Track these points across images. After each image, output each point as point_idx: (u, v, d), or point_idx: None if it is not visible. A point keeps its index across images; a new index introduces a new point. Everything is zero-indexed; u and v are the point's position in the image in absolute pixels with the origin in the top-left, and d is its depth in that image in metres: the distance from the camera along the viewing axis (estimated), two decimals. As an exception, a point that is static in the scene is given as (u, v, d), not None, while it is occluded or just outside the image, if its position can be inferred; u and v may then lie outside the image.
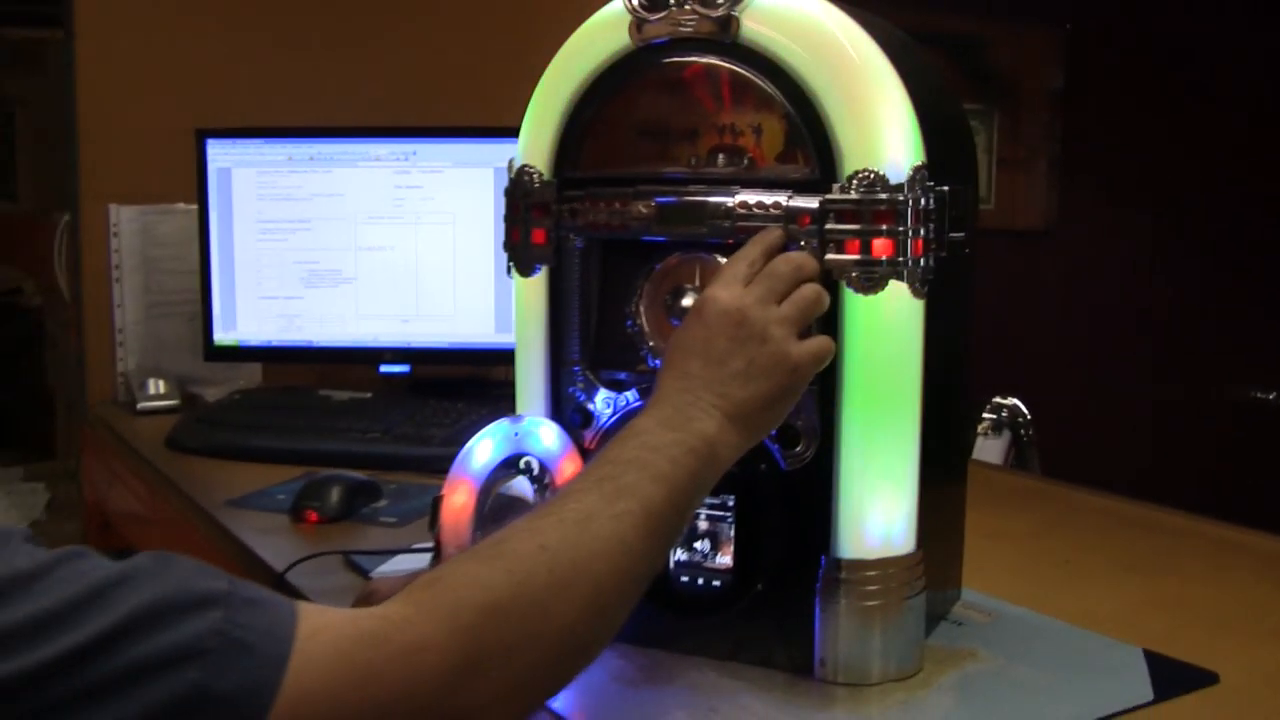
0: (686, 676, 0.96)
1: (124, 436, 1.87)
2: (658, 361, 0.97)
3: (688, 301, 0.97)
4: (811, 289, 0.90)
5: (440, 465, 1.52)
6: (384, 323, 1.91)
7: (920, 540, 0.95)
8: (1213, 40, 3.39)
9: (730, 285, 0.90)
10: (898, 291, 0.91)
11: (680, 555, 0.99)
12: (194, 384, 2.03)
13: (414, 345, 1.90)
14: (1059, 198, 3.77)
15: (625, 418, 0.99)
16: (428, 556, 1.08)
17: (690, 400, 0.85)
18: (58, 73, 2.17)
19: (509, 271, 1.07)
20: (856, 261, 0.91)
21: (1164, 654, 1.00)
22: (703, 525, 0.98)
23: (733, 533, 0.98)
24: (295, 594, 1.11)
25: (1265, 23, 3.27)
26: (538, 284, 1.04)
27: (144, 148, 2.03)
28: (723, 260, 0.95)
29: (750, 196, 0.94)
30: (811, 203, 0.92)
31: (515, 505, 0.98)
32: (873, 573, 0.93)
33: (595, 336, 1.03)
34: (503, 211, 1.06)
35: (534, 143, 1.04)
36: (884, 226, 0.91)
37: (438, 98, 2.21)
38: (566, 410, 1.04)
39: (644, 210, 0.98)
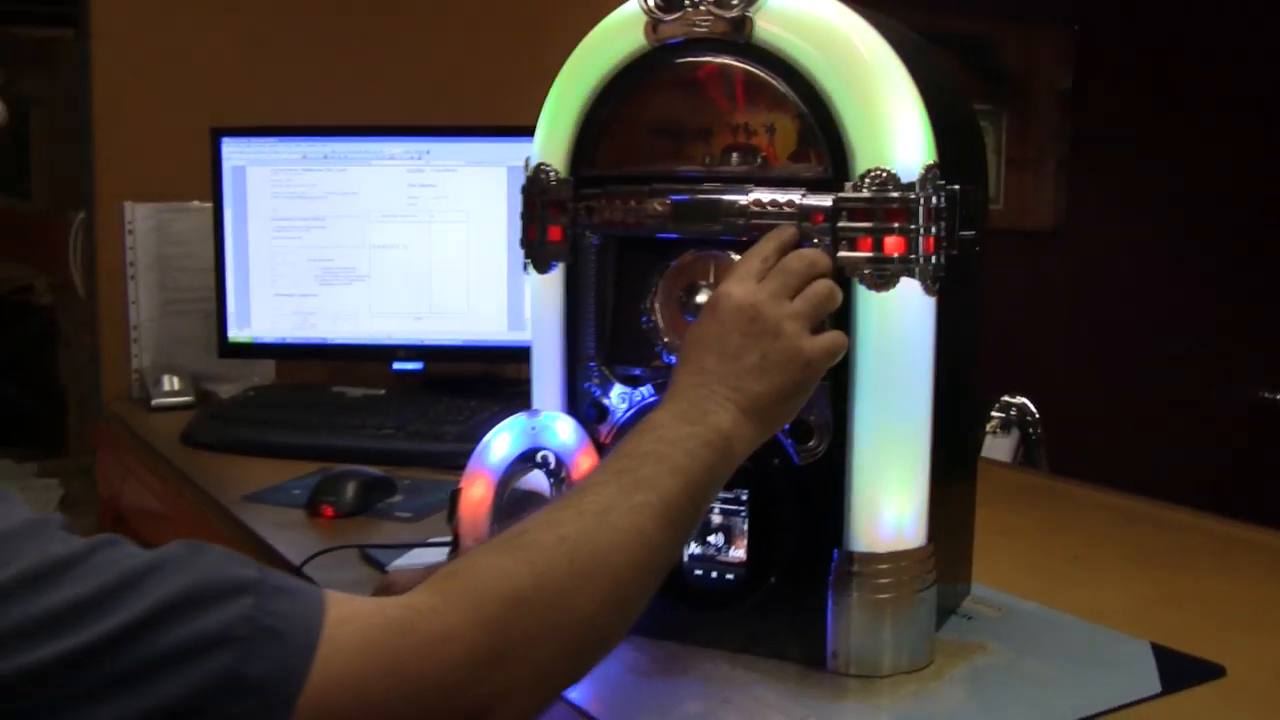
0: (700, 668, 0.97)
1: (139, 433, 1.88)
2: (672, 357, 0.98)
3: (702, 298, 0.98)
4: (824, 284, 0.92)
5: (454, 461, 1.55)
6: (397, 320, 1.92)
7: (931, 534, 0.97)
8: (1221, 40, 3.39)
9: (744, 281, 0.91)
10: (909, 288, 0.93)
11: (694, 549, 1.00)
12: (208, 381, 2.05)
13: (427, 342, 1.92)
14: (1067, 198, 3.77)
15: (640, 413, 1.00)
16: (443, 551, 1.10)
17: (705, 394, 0.87)
18: (73, 72, 2.18)
19: (525, 268, 1.08)
20: (869, 259, 0.92)
21: (1172, 648, 1.01)
22: (716, 519, 1.00)
23: (746, 526, 0.99)
24: (313, 586, 1.12)
25: (1273, 23, 3.27)
26: (554, 281, 1.06)
27: (159, 146, 2.04)
28: (736, 258, 0.96)
29: (764, 194, 0.96)
30: (825, 201, 0.93)
31: (531, 500, 0.99)
32: (884, 566, 0.94)
33: (611, 332, 1.04)
34: (515, 210, 1.08)
35: (550, 141, 1.05)
36: (896, 224, 0.92)
37: (451, 97, 2.23)
38: (582, 405, 1.05)
39: (659, 208, 1.00)
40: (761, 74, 0.96)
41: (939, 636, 1.00)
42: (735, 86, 0.98)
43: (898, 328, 0.94)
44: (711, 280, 0.98)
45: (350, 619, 0.66)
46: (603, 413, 1.04)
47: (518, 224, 1.08)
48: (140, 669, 0.59)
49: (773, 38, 0.95)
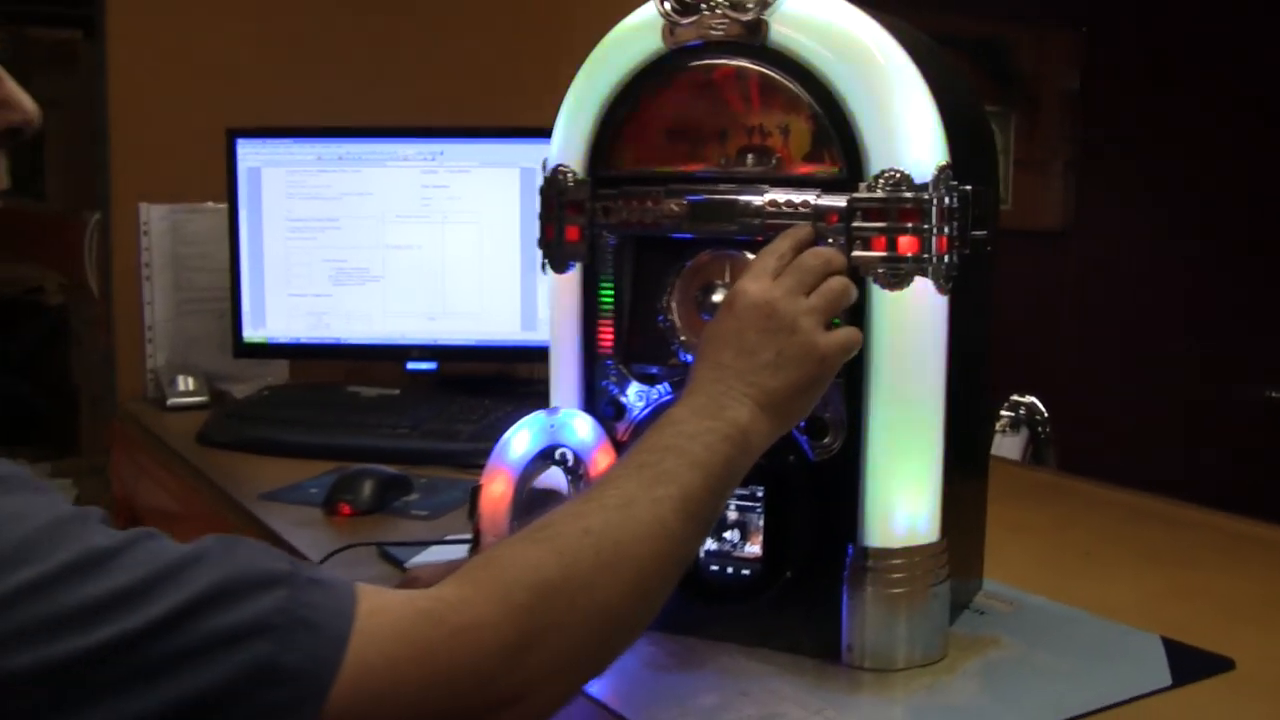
0: (717, 661, 0.98)
1: (154, 432, 1.90)
2: (688, 356, 1.00)
3: (718, 297, 0.99)
4: (839, 281, 0.93)
5: (468, 460, 1.57)
6: (411, 320, 1.93)
7: (944, 530, 0.98)
8: (1229, 42, 3.40)
9: (760, 278, 0.92)
10: (923, 287, 0.94)
11: (710, 545, 1.01)
12: (222, 380, 2.06)
13: (441, 342, 1.93)
14: (1076, 198, 3.78)
15: (657, 410, 1.02)
16: (461, 548, 1.11)
17: (723, 390, 0.88)
18: (89, 73, 2.19)
19: (543, 268, 1.09)
20: (883, 258, 0.94)
21: (1182, 641, 1.02)
22: (732, 515, 1.01)
23: (762, 522, 1.00)
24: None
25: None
26: (571, 280, 1.07)
27: (174, 147, 2.05)
28: (752, 257, 0.97)
29: (779, 195, 0.97)
30: (839, 201, 0.95)
31: (548, 497, 1.01)
32: (898, 561, 0.96)
33: (628, 331, 1.06)
34: (529, 211, 1.09)
35: (568, 142, 1.06)
36: (909, 224, 0.93)
37: (465, 98, 2.23)
38: (600, 403, 1.06)
39: (675, 208, 1.01)
40: (776, 76, 0.97)
41: (952, 631, 1.01)
42: (750, 88, 0.99)
43: (911, 326, 0.95)
44: (727, 279, 0.99)
45: (382, 610, 0.67)
46: (620, 410, 1.05)
47: (531, 225, 1.09)
48: (179, 657, 0.60)
49: (787, 40, 0.96)
